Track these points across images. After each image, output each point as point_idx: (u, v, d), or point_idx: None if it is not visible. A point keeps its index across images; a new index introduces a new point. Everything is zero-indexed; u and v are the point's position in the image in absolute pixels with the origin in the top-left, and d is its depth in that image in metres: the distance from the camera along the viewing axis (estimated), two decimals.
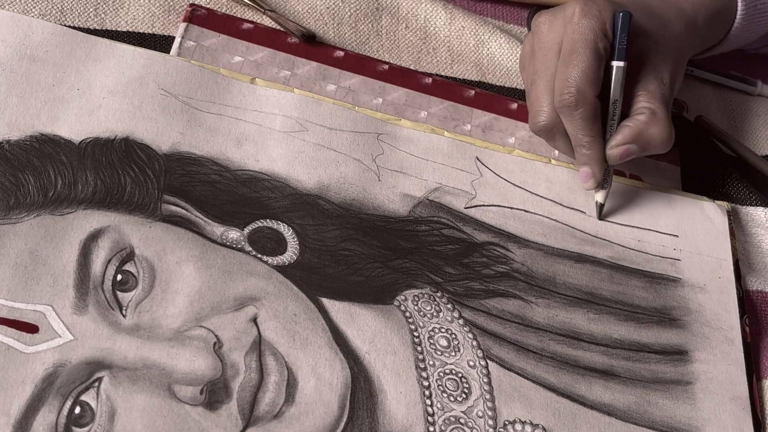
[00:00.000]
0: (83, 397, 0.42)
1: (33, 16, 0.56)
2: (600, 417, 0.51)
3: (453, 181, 0.57)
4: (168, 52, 0.57)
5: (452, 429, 0.47)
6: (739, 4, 0.63)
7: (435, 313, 0.51)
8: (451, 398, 0.48)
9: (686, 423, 0.52)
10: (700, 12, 0.60)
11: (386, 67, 0.62)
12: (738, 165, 0.67)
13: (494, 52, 0.67)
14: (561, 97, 0.54)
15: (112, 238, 0.47)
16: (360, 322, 0.49)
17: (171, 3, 0.60)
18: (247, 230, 0.51)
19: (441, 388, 0.49)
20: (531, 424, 0.49)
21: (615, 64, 0.55)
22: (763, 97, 0.73)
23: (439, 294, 0.52)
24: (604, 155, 0.56)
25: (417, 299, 0.51)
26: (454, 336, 0.51)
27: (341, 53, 0.62)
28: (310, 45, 0.61)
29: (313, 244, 0.51)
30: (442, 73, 0.65)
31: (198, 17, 0.59)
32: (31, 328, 0.43)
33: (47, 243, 0.46)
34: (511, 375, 0.50)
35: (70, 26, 0.57)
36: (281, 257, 0.50)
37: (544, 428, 0.49)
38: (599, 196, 0.58)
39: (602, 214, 0.59)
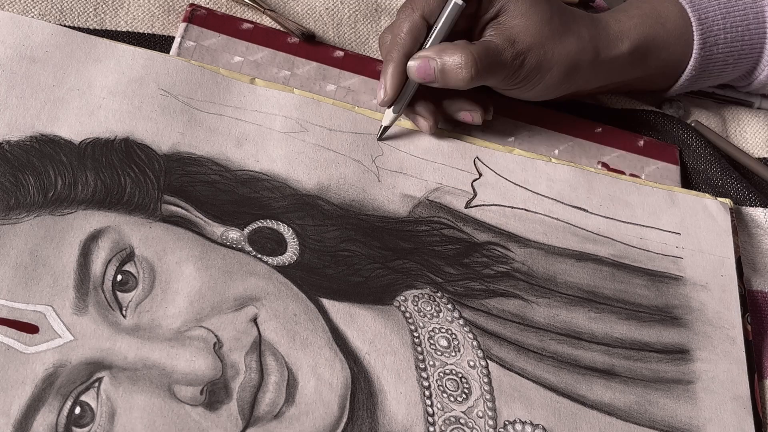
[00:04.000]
0: (83, 398, 0.42)
1: (33, 16, 0.56)
2: (600, 417, 0.50)
3: (453, 181, 0.57)
4: (168, 52, 0.57)
5: (452, 429, 0.47)
6: (695, 40, 0.62)
7: (435, 314, 0.51)
8: (451, 398, 0.48)
9: (687, 422, 0.52)
10: (628, 35, 0.60)
11: None
12: (736, 167, 0.67)
13: None
14: (398, 11, 0.56)
15: (112, 238, 0.47)
16: (360, 323, 0.49)
17: (171, 3, 0.60)
18: (247, 230, 0.51)
19: (441, 388, 0.49)
20: (531, 424, 0.49)
21: None
22: (762, 110, 0.72)
23: (439, 294, 0.52)
24: (402, 73, 0.55)
25: (417, 299, 0.51)
26: (454, 336, 0.51)
27: (341, 53, 0.62)
28: (310, 45, 0.61)
29: (313, 245, 0.51)
30: None
31: (198, 17, 0.59)
32: (31, 329, 0.43)
33: (47, 243, 0.46)
34: (512, 375, 0.50)
35: (69, 26, 0.57)
36: (281, 257, 0.50)
37: (544, 428, 0.49)
38: (385, 118, 0.57)
39: (381, 137, 0.57)
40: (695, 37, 0.62)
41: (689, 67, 0.63)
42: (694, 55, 0.62)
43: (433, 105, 0.58)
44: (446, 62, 0.54)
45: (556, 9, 0.57)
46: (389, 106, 0.56)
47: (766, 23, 0.64)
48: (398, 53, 0.55)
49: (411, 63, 0.55)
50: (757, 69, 0.66)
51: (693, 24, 0.62)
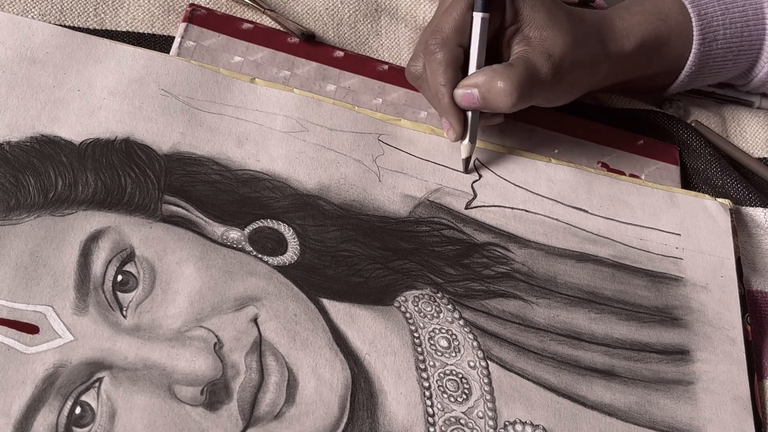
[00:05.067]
0: (84, 398, 0.42)
1: (32, 16, 0.56)
2: (601, 417, 0.50)
3: (453, 181, 0.57)
4: (168, 52, 0.57)
5: (452, 430, 0.47)
6: (695, 34, 0.62)
7: (435, 314, 0.51)
8: (452, 399, 0.48)
9: (687, 423, 0.52)
10: (633, 32, 0.60)
11: (386, 67, 0.62)
12: (736, 167, 0.67)
13: None
14: (427, 41, 0.55)
15: (113, 238, 0.47)
16: (360, 323, 0.49)
17: (171, 3, 0.60)
18: (247, 230, 0.51)
19: (441, 388, 0.49)
20: (531, 424, 0.49)
21: (474, 14, 0.55)
22: (762, 109, 0.72)
23: (439, 295, 0.52)
24: (459, 108, 0.55)
25: (417, 300, 0.51)
26: (454, 337, 0.51)
27: (341, 53, 0.62)
28: (310, 45, 0.61)
29: (313, 245, 0.51)
30: None
31: (198, 17, 0.59)
32: (31, 329, 0.43)
33: (48, 244, 0.46)
34: (512, 375, 0.50)
35: (69, 26, 0.57)
36: (282, 257, 0.50)
37: (544, 429, 0.49)
38: (463, 151, 0.57)
39: (469, 168, 0.57)
40: (695, 33, 0.62)
41: (689, 63, 0.63)
42: (693, 51, 0.63)
43: None
44: (489, 90, 0.54)
45: (568, 14, 0.57)
46: (462, 140, 0.56)
47: (765, 20, 0.64)
48: (447, 89, 0.55)
49: (457, 92, 0.55)
50: (756, 66, 0.66)
51: (693, 20, 0.62)
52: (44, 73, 0.52)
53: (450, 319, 0.51)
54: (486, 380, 0.50)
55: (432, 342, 0.50)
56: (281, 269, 0.50)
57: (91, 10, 0.58)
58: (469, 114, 0.56)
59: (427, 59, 0.55)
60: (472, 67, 0.55)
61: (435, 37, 0.55)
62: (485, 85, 0.54)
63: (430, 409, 0.48)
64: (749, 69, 0.66)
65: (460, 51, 0.55)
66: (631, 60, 0.61)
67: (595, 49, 0.58)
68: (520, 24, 0.56)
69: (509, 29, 0.56)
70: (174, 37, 0.58)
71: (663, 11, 0.62)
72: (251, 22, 0.61)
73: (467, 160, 0.57)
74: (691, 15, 0.62)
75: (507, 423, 0.48)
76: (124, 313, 0.45)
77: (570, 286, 0.55)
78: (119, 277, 0.46)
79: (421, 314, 0.51)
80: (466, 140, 0.56)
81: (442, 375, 0.49)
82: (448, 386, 0.49)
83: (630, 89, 0.68)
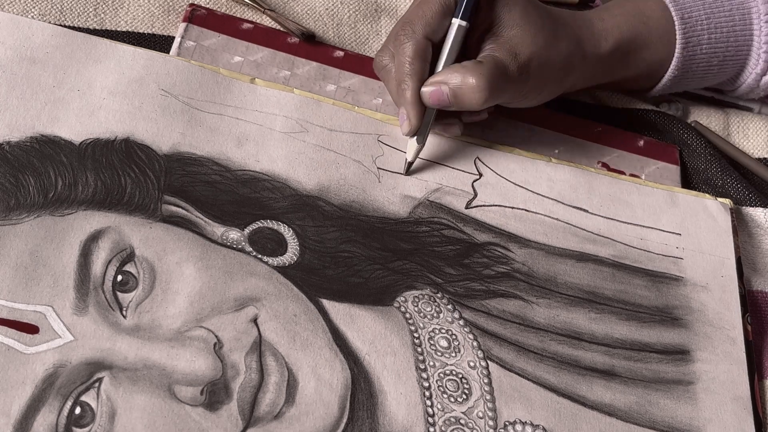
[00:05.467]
0: (83, 398, 0.42)
1: (32, 16, 0.56)
2: (601, 417, 0.50)
3: (453, 181, 0.57)
4: (168, 52, 0.57)
5: (452, 430, 0.47)
6: (678, 39, 0.62)
7: (435, 314, 0.51)
8: (452, 399, 0.48)
9: (687, 423, 0.52)
10: (612, 34, 0.60)
11: None
12: (736, 167, 0.67)
13: None
14: (396, 31, 0.55)
15: (113, 238, 0.47)
16: (360, 324, 0.49)
17: (171, 3, 0.60)
18: (247, 231, 0.51)
19: (441, 388, 0.49)
20: (531, 424, 0.49)
21: (454, 20, 0.54)
22: (762, 114, 0.72)
23: (439, 295, 0.52)
24: (421, 101, 0.54)
25: (417, 300, 0.51)
26: (454, 337, 0.51)
27: (341, 53, 0.62)
28: (310, 45, 0.61)
29: (313, 246, 0.51)
30: None
31: (198, 17, 0.59)
32: (31, 329, 0.43)
33: (47, 244, 0.46)
34: (512, 375, 0.50)
35: (69, 26, 0.57)
36: (281, 258, 0.50)
37: (544, 429, 0.49)
38: (409, 152, 0.56)
39: (408, 172, 0.56)
40: (677, 37, 0.62)
41: (672, 66, 0.63)
42: (676, 55, 0.62)
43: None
44: (459, 87, 0.53)
45: (545, 14, 0.57)
46: (413, 136, 0.55)
47: (752, 26, 0.63)
48: (413, 80, 0.54)
49: (424, 89, 0.54)
50: (743, 73, 0.65)
51: (675, 23, 0.61)
52: (44, 73, 0.52)
53: (450, 319, 0.51)
54: (486, 380, 0.50)
55: (432, 342, 0.50)
56: (281, 270, 0.50)
57: (91, 10, 0.58)
58: (428, 110, 0.55)
59: (396, 50, 0.55)
60: (441, 66, 0.55)
61: (406, 29, 0.54)
62: (456, 82, 0.53)
63: (430, 409, 0.48)
64: (737, 75, 0.66)
65: (430, 45, 0.55)
66: (608, 62, 0.61)
67: (570, 50, 0.58)
68: (490, 23, 0.56)
69: (480, 28, 0.56)
70: (174, 37, 0.58)
71: (645, 13, 0.62)
72: (251, 22, 0.61)
73: (410, 164, 0.56)
74: (674, 18, 0.61)
75: (507, 423, 0.48)
76: (124, 313, 0.45)
77: (570, 285, 0.55)
78: (119, 277, 0.46)
79: (421, 314, 0.51)
80: (414, 139, 0.55)
81: (442, 375, 0.49)
82: (448, 386, 0.49)
83: (612, 90, 0.67)
